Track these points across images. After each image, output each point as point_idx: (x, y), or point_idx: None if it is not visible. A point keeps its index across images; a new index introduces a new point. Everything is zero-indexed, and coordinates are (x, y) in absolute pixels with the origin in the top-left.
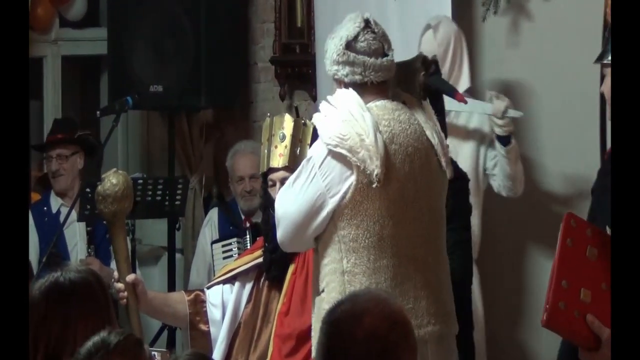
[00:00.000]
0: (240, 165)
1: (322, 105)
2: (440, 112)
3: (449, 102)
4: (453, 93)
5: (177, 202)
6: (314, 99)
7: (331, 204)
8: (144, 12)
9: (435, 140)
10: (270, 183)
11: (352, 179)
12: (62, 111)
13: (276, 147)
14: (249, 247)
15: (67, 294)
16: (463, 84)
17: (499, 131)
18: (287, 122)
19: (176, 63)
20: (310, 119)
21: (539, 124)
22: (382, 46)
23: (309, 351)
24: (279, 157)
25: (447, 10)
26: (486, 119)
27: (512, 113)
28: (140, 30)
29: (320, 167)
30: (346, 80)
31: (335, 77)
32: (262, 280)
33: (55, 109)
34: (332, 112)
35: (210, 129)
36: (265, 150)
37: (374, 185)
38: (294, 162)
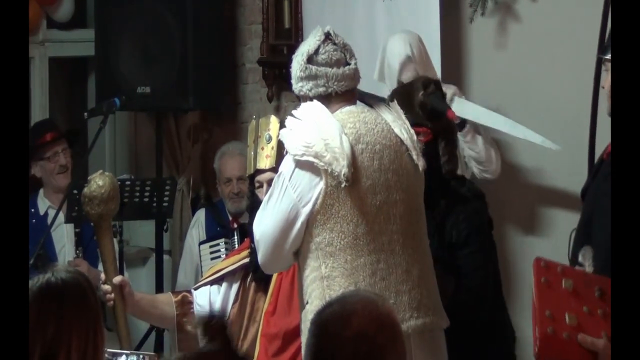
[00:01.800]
0: (228, 167)
1: (288, 120)
2: (448, 132)
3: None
4: (445, 111)
5: (165, 204)
6: None
7: (304, 213)
8: (131, 14)
9: (404, 136)
10: (257, 185)
11: (321, 184)
12: (49, 112)
13: (263, 148)
14: (236, 247)
15: (61, 293)
16: None
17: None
18: (273, 124)
19: (164, 64)
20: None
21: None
22: (343, 56)
23: (296, 351)
24: (265, 158)
25: (435, 11)
26: None
27: (457, 101)
28: (127, 32)
29: (290, 179)
30: (310, 94)
31: (301, 93)
32: (248, 280)
33: (43, 110)
34: (296, 124)
35: (198, 130)
36: (252, 152)
37: (342, 185)
38: (280, 163)
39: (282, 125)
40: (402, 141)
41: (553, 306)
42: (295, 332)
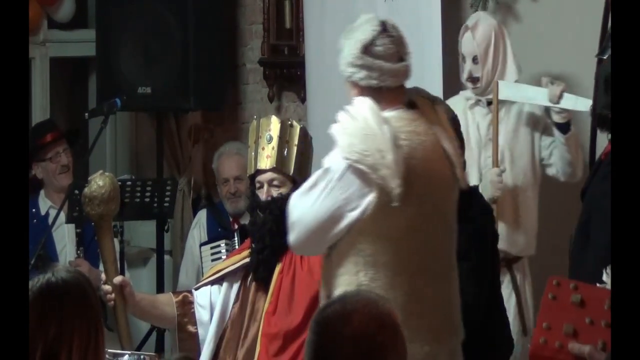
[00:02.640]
0: (225, 167)
1: (341, 115)
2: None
3: (520, 93)
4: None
5: (166, 204)
6: (303, 100)
7: (350, 217)
8: (132, 14)
9: (451, 151)
10: (257, 185)
11: (372, 195)
12: (50, 113)
13: (263, 148)
14: (237, 248)
15: (62, 293)
16: (510, 77)
17: (556, 118)
18: (274, 124)
19: (164, 64)
20: (299, 120)
21: None
22: (398, 51)
23: (296, 350)
24: (266, 158)
25: (437, 11)
26: (537, 108)
27: (568, 99)
28: (128, 32)
29: (339, 180)
30: (361, 83)
31: (350, 79)
32: (249, 280)
33: (44, 110)
34: (351, 124)
35: (199, 130)
36: (253, 153)
37: (393, 205)
38: (281, 164)
39: (282, 126)
40: (448, 156)
41: (553, 318)
42: (296, 331)
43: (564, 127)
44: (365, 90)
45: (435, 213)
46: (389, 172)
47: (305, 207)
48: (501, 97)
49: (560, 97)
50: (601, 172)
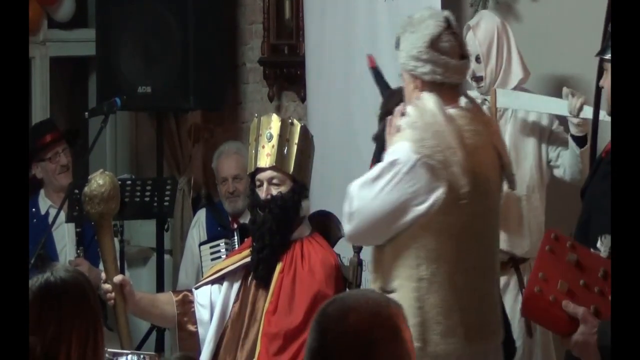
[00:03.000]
0: (224, 166)
1: (410, 109)
2: None
3: (518, 101)
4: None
5: (166, 203)
6: (303, 99)
7: (416, 211)
8: (132, 13)
9: (503, 151)
10: (257, 183)
11: (441, 191)
12: (50, 112)
13: (263, 147)
14: (237, 248)
15: (60, 293)
16: (515, 76)
17: (574, 131)
18: (274, 122)
19: (164, 64)
20: (299, 119)
21: None
22: (460, 47)
23: (297, 350)
24: (266, 157)
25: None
26: (544, 113)
27: (588, 111)
28: (128, 32)
29: (407, 173)
30: (425, 78)
31: (413, 72)
32: (249, 279)
33: (43, 110)
34: (420, 119)
35: (199, 130)
36: (253, 151)
37: (460, 202)
38: (281, 162)
39: (283, 124)
40: (500, 156)
41: (549, 271)
42: (296, 331)
43: (581, 141)
44: (427, 85)
45: (488, 211)
46: (459, 169)
47: (367, 198)
48: (499, 105)
49: (580, 109)
50: (601, 171)
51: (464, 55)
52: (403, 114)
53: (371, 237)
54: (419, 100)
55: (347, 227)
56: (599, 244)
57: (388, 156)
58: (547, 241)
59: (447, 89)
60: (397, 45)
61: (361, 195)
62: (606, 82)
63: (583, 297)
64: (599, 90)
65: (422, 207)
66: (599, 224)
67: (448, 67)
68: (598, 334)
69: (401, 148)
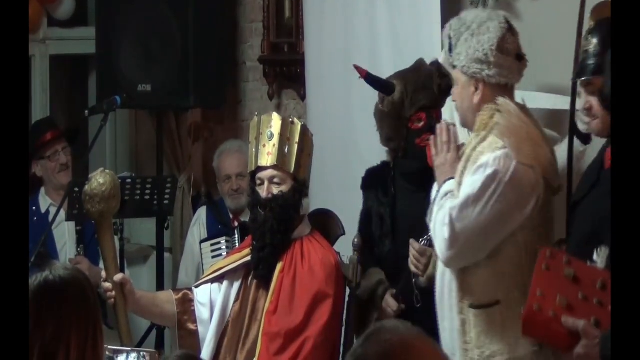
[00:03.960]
0: (227, 164)
1: (500, 117)
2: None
3: (537, 101)
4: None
5: (166, 202)
6: (303, 98)
7: (519, 217)
8: (132, 12)
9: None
10: (258, 182)
11: (541, 190)
12: (50, 111)
13: (264, 145)
14: (237, 246)
15: (59, 292)
16: None
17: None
18: (275, 121)
19: (164, 62)
20: (299, 118)
21: None
22: (519, 48)
23: (297, 349)
24: (267, 155)
25: (437, 10)
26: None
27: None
28: (128, 30)
29: (509, 181)
30: (492, 81)
31: (476, 75)
32: (250, 279)
33: (43, 108)
34: (513, 125)
35: (199, 128)
36: (253, 149)
37: (554, 196)
38: (282, 161)
39: (283, 123)
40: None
41: (546, 287)
42: (297, 331)
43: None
44: (489, 87)
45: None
46: (554, 169)
47: (472, 217)
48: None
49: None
50: (606, 186)
51: (520, 55)
52: (449, 129)
53: (473, 255)
54: (501, 106)
55: (448, 253)
56: (595, 256)
57: (483, 170)
58: (542, 259)
59: (507, 89)
60: (451, 48)
61: (463, 216)
62: (583, 104)
63: (583, 310)
64: (572, 112)
65: (527, 210)
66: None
67: (512, 69)
68: (600, 345)
69: (496, 158)
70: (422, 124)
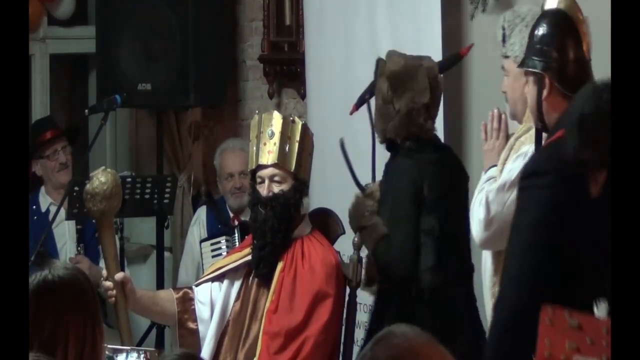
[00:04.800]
0: (229, 162)
1: None
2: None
3: None
4: (460, 56)
5: (166, 201)
6: (303, 97)
7: None
8: (132, 11)
9: None
10: (258, 180)
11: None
12: (50, 110)
13: (265, 144)
14: (237, 245)
15: (58, 291)
16: None
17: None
18: (276, 120)
19: (164, 61)
20: (299, 116)
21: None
22: None
23: (297, 348)
24: (267, 154)
25: (437, 10)
26: None
27: None
28: (128, 29)
29: None
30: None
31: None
32: (250, 278)
33: (43, 107)
34: None
35: (199, 127)
36: (254, 148)
37: None
38: (282, 160)
39: (284, 122)
40: None
41: (554, 337)
42: (297, 330)
43: None
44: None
45: None
46: None
47: (507, 202)
48: None
49: None
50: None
51: None
52: (500, 116)
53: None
54: None
55: (483, 234)
56: (595, 310)
57: (522, 158)
58: (545, 315)
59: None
60: (504, 39)
61: (499, 200)
62: (529, 93)
63: (592, 352)
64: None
65: None
66: (594, 285)
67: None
68: None
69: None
70: None
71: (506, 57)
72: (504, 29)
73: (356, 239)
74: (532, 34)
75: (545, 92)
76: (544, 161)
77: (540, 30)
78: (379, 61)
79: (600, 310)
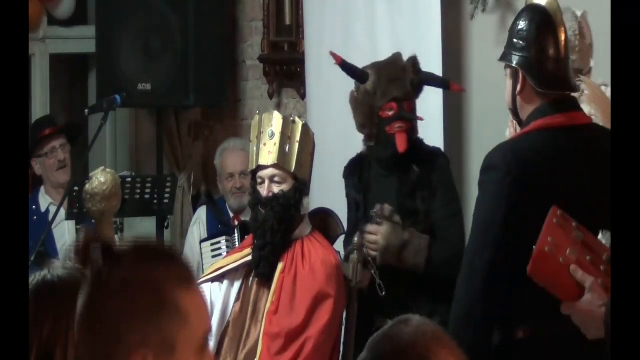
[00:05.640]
0: (230, 162)
1: (591, 89)
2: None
3: None
4: (448, 85)
5: (166, 201)
6: (303, 97)
7: None
8: (132, 11)
9: None
10: (259, 180)
11: None
12: (50, 109)
13: (265, 144)
14: (237, 245)
15: (57, 291)
16: None
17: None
18: (276, 120)
19: (164, 61)
20: (299, 116)
21: None
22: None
23: (298, 349)
24: (268, 154)
25: (437, 10)
26: None
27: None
28: (128, 29)
29: None
30: (574, 65)
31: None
32: (250, 278)
33: (43, 107)
34: (602, 96)
35: (199, 127)
36: (254, 148)
37: None
38: (283, 160)
39: (285, 122)
40: None
41: (557, 237)
42: (298, 331)
43: None
44: (575, 73)
45: None
46: None
47: None
48: None
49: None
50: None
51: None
52: None
53: None
54: (584, 82)
55: None
56: (600, 236)
57: None
58: (553, 215)
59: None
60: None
61: None
62: (507, 89)
63: (590, 271)
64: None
65: None
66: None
67: (588, 55)
68: (606, 311)
69: None
70: (392, 112)
71: None
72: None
73: (356, 239)
74: (512, 28)
75: (519, 87)
76: (497, 157)
77: (520, 25)
78: None
79: (604, 238)
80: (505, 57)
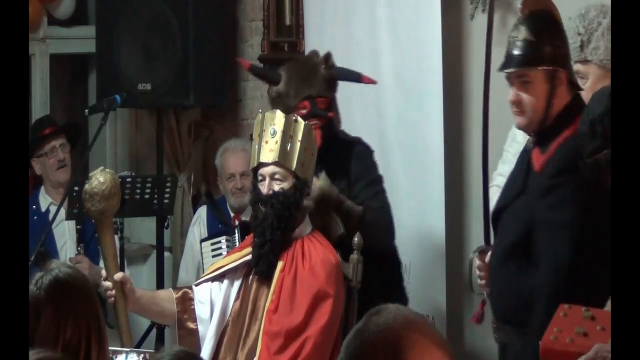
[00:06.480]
0: (231, 162)
1: None
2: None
3: None
4: (360, 78)
5: (166, 201)
6: None
7: None
8: (132, 11)
9: None
10: (260, 178)
11: None
12: (50, 109)
13: (267, 142)
14: (237, 245)
15: (57, 291)
16: None
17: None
18: (279, 118)
19: (164, 61)
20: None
21: None
22: None
23: (298, 348)
24: (269, 152)
25: (437, 10)
26: None
27: None
28: (128, 29)
29: None
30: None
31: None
32: (250, 277)
33: (44, 107)
34: None
35: (199, 127)
36: (256, 146)
37: None
38: (284, 158)
39: (287, 121)
40: None
41: (564, 325)
42: (297, 330)
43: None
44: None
45: None
46: None
47: None
48: None
49: None
50: (535, 186)
51: None
52: None
53: None
54: None
55: None
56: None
57: None
58: (561, 310)
59: None
60: (582, 45)
61: None
62: (511, 95)
63: (599, 337)
64: (486, 102)
65: None
66: (547, 240)
67: None
68: None
69: None
70: (305, 111)
71: (585, 61)
72: (580, 34)
73: (356, 239)
74: (518, 33)
75: (559, 89)
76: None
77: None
78: None
79: None
80: (535, 61)
